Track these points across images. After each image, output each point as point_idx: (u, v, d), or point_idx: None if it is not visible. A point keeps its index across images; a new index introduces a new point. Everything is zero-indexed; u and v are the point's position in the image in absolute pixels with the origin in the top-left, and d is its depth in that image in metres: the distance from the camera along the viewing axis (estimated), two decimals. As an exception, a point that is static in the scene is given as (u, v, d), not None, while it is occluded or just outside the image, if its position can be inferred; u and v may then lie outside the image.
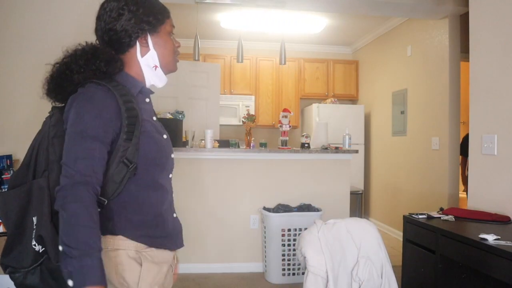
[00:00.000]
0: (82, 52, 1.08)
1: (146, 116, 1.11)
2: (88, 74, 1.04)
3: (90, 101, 1.01)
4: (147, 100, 1.18)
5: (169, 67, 1.20)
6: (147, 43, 1.13)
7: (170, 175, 1.20)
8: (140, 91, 1.14)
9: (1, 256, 1.05)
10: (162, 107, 4.37)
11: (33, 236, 1.01)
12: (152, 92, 1.21)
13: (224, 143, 3.75)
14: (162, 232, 1.13)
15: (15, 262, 1.02)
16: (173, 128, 3.36)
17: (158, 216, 1.12)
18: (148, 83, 1.18)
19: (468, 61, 2.65)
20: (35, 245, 1.01)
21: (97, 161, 0.99)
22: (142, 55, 1.13)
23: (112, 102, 1.02)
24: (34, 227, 1.01)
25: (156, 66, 1.16)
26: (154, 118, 1.18)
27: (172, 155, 1.20)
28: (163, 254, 1.12)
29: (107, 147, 1.01)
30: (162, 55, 1.16)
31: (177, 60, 1.23)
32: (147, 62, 1.14)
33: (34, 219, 1.02)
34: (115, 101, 1.02)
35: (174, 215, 1.21)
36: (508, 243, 1.69)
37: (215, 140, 3.52)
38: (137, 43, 1.12)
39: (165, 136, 1.17)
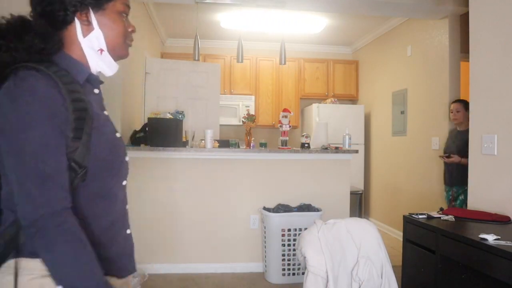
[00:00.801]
0: (8, 26, 0.89)
1: (96, 109, 0.92)
2: (21, 54, 0.84)
3: (34, 96, 0.79)
4: (96, 91, 0.98)
5: (118, 51, 0.99)
6: (88, 21, 0.93)
7: (124, 182, 0.99)
8: (87, 79, 0.94)
9: None
10: (162, 107, 4.37)
11: None
12: (101, 82, 1.02)
13: (224, 143, 3.75)
14: (106, 253, 0.90)
15: None
16: (173, 128, 3.36)
17: (103, 233, 0.91)
18: (94, 70, 0.97)
19: (468, 61, 2.64)
20: None
21: (65, 174, 0.81)
22: (84, 35, 0.93)
23: (56, 93, 0.82)
24: None
25: (101, 50, 0.96)
26: (105, 113, 0.98)
27: (127, 158, 1.01)
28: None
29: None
30: (109, 37, 0.95)
31: (129, 45, 1.02)
32: (90, 44, 0.94)
33: None
34: (58, 91, 0.82)
35: (128, 231, 1.00)
36: (508, 243, 1.69)
37: (215, 140, 3.52)
38: (76, 20, 0.92)
39: (118, 135, 0.98)
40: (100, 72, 0.99)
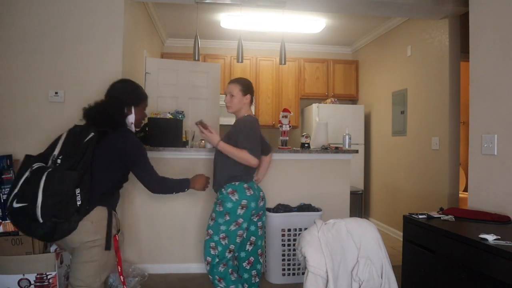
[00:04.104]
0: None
1: None
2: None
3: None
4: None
5: (138, 125, 2.23)
6: (131, 110, 2.14)
7: None
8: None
9: (47, 214, 1.70)
10: (162, 107, 4.37)
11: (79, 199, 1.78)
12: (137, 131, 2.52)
13: (224, 143, 3.73)
14: None
15: (60, 215, 1.75)
16: (173, 128, 3.36)
17: None
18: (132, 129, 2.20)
19: (468, 61, 2.65)
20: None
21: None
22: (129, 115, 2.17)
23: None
24: (78, 193, 1.78)
25: (132, 123, 2.16)
26: None
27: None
28: None
29: None
30: (135, 118, 2.17)
31: (143, 123, 2.33)
32: (130, 120, 2.16)
33: (77, 190, 1.77)
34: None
35: None
36: (508, 243, 1.69)
37: (215, 140, 3.52)
38: (132, 109, 2.15)
39: None
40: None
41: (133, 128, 2.18)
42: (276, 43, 4.50)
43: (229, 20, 4.89)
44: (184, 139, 3.60)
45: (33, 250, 2.66)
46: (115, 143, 1.97)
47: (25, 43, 3.13)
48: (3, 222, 2.64)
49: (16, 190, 1.73)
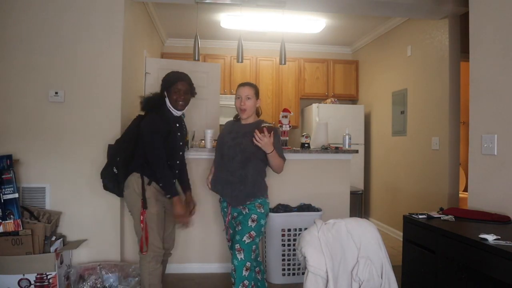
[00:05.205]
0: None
1: (174, 128, 2.57)
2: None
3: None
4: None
5: (173, 106, 2.53)
6: (165, 94, 2.54)
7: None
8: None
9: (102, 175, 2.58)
10: (162, 107, 4.36)
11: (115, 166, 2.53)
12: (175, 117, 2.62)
13: (224, 143, 3.73)
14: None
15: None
16: (173, 128, 3.36)
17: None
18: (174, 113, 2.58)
19: (468, 61, 2.64)
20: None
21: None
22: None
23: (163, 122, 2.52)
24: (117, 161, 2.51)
25: (170, 105, 2.53)
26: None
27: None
28: None
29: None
30: (169, 100, 2.53)
31: (180, 104, 2.54)
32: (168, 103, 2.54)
33: (118, 158, 2.50)
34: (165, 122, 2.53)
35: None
36: (508, 243, 1.69)
37: (215, 140, 3.51)
38: (165, 93, 2.54)
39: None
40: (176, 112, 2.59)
41: (173, 110, 2.53)
42: (276, 43, 4.50)
43: (229, 20, 4.89)
44: (184, 139, 3.59)
45: (33, 250, 2.66)
46: (142, 122, 2.44)
47: (25, 43, 3.13)
48: (3, 222, 2.63)
49: None
